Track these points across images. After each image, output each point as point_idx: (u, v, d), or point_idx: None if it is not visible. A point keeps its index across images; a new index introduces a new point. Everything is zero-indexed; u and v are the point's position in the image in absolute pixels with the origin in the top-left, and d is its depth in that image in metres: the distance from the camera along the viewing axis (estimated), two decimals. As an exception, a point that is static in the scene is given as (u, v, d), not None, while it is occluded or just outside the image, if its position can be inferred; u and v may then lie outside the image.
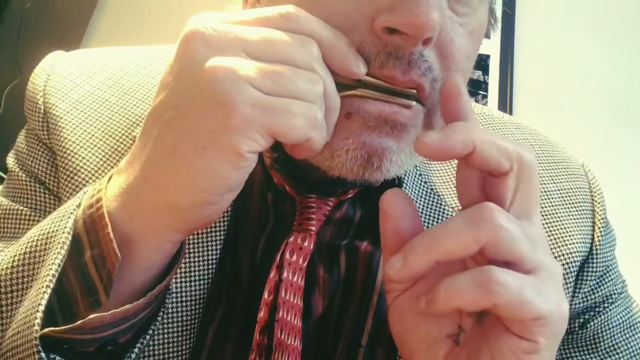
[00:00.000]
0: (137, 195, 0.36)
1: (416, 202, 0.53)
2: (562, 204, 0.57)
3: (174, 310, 0.46)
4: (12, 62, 1.43)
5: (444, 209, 0.53)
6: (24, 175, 0.54)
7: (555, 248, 0.54)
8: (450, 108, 0.37)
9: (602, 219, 0.58)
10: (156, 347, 0.45)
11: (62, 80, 0.56)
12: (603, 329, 0.57)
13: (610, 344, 0.57)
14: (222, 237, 0.49)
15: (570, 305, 0.56)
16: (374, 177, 0.41)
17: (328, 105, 0.36)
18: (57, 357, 0.35)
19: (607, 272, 0.58)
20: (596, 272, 0.56)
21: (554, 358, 0.35)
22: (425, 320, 0.36)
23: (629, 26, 1.77)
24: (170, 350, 0.46)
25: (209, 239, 0.49)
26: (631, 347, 0.58)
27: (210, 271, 0.48)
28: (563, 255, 0.54)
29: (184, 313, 0.47)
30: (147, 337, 0.39)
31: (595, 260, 0.56)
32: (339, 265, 0.51)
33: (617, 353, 0.57)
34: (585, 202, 0.59)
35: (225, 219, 0.50)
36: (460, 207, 0.37)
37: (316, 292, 0.50)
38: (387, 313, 0.38)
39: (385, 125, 0.39)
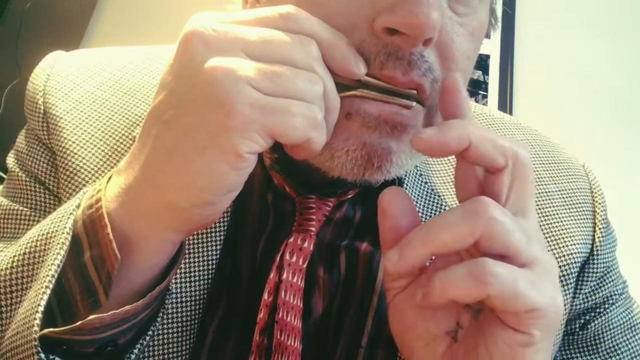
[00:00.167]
0: (136, 196, 0.36)
1: (416, 202, 0.52)
2: (563, 205, 0.57)
3: (174, 310, 0.46)
4: (12, 62, 1.42)
5: (445, 209, 0.53)
6: (24, 175, 0.54)
7: (555, 249, 0.54)
8: (448, 105, 0.37)
9: (603, 219, 0.58)
10: (156, 348, 0.45)
11: (62, 80, 0.56)
12: (604, 330, 0.57)
13: (611, 344, 0.57)
14: (222, 237, 0.49)
15: (571, 306, 0.56)
16: (374, 178, 0.41)
17: (328, 105, 0.35)
18: (57, 358, 0.34)
19: (608, 272, 0.58)
20: (597, 272, 0.56)
21: (550, 352, 0.35)
22: (423, 317, 0.36)
23: (629, 26, 1.77)
24: (170, 350, 0.46)
25: (209, 239, 0.49)
26: (632, 347, 0.58)
27: (210, 272, 0.48)
28: (564, 256, 0.54)
29: (184, 313, 0.47)
30: (147, 337, 0.39)
31: (595, 261, 0.56)
32: (338, 266, 0.51)
33: (618, 354, 0.57)
34: (586, 202, 0.59)
35: (225, 219, 0.50)
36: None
37: (316, 293, 0.50)
38: (387, 311, 0.38)
39: (385, 125, 0.39)
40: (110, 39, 1.71)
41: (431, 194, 0.54)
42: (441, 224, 0.33)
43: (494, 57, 1.71)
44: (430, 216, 0.53)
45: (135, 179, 0.36)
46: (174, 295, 0.46)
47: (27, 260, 0.38)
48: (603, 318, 0.57)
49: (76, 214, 0.37)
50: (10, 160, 0.56)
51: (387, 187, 0.37)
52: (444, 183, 0.55)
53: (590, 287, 0.56)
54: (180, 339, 0.46)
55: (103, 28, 1.77)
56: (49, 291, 0.35)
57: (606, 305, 0.58)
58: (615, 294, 0.58)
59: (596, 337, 0.57)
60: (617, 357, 0.57)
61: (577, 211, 0.57)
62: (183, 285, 0.47)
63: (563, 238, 0.55)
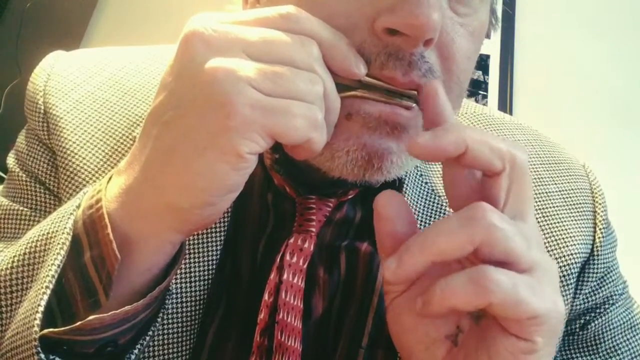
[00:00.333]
0: (136, 196, 0.36)
1: (417, 203, 0.52)
2: (563, 205, 0.57)
3: (174, 311, 0.46)
4: (12, 62, 1.42)
5: (445, 210, 0.53)
6: (24, 175, 0.54)
7: (556, 249, 0.54)
8: (429, 112, 0.36)
9: (603, 220, 0.58)
10: (156, 348, 0.45)
11: (62, 80, 0.56)
12: (604, 330, 0.57)
13: (611, 345, 0.57)
14: (222, 237, 0.49)
15: (571, 306, 0.55)
16: (374, 178, 0.41)
17: (328, 106, 0.35)
18: (57, 358, 0.34)
19: (608, 273, 0.58)
20: (597, 273, 0.56)
21: (552, 356, 0.35)
22: (423, 321, 0.36)
23: (629, 26, 1.77)
24: (170, 351, 0.46)
25: (209, 239, 0.49)
26: (632, 347, 0.58)
27: (210, 272, 0.48)
28: (564, 256, 0.54)
29: (184, 314, 0.47)
30: (147, 338, 0.39)
31: (596, 262, 0.56)
32: (339, 266, 0.50)
33: (618, 354, 0.57)
34: (586, 203, 0.58)
35: (226, 219, 0.50)
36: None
37: (316, 293, 0.50)
38: (386, 314, 0.38)
39: (385, 126, 0.39)
40: (110, 39, 1.71)
41: (432, 194, 0.53)
42: (439, 232, 0.32)
43: (494, 57, 1.71)
44: (430, 217, 0.53)
45: (136, 179, 0.36)
46: (174, 296, 0.46)
47: (27, 261, 0.38)
48: (603, 318, 0.57)
49: (76, 214, 0.37)
50: (11, 160, 0.56)
51: (383, 191, 0.36)
52: (444, 183, 0.55)
53: (591, 287, 0.56)
54: (180, 339, 0.46)
55: (103, 28, 1.77)
56: (49, 291, 0.35)
57: (606, 306, 0.58)
58: (615, 294, 0.58)
59: (596, 337, 0.57)
60: (617, 357, 0.57)
61: (578, 211, 0.57)
62: (183, 285, 0.47)
63: (563, 238, 0.55)
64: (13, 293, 0.38)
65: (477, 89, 1.67)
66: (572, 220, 0.56)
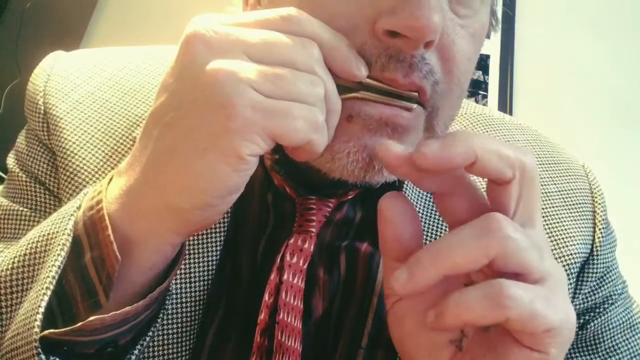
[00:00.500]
0: (137, 197, 0.36)
1: (416, 204, 0.52)
2: (563, 205, 0.57)
3: (174, 311, 0.46)
4: (12, 62, 1.42)
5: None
6: (24, 175, 0.54)
7: (555, 249, 0.54)
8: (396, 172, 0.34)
9: (603, 220, 0.58)
10: (156, 349, 0.45)
11: (63, 80, 0.55)
12: (603, 330, 0.57)
13: (610, 344, 0.57)
14: (222, 238, 0.49)
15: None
16: (374, 180, 0.41)
17: (329, 107, 0.35)
18: (57, 359, 0.35)
19: (608, 273, 0.58)
20: (596, 273, 0.56)
21: None
22: (425, 326, 0.35)
23: (629, 26, 1.77)
24: (170, 351, 0.46)
25: (209, 240, 0.49)
26: (631, 347, 0.58)
27: (210, 272, 0.48)
28: (564, 256, 0.54)
29: (184, 314, 0.47)
30: (147, 338, 0.39)
31: (595, 262, 0.56)
32: (339, 267, 0.51)
33: (618, 354, 0.57)
34: (585, 203, 0.59)
35: (226, 220, 0.50)
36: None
37: (316, 294, 0.50)
38: (387, 317, 0.37)
39: (386, 127, 0.39)
40: (110, 39, 1.71)
41: (431, 195, 0.53)
42: (453, 244, 0.31)
43: (494, 57, 1.71)
44: (430, 218, 0.52)
45: (136, 180, 0.36)
46: (174, 296, 0.46)
47: (27, 262, 0.38)
48: (603, 318, 0.57)
49: (77, 215, 0.37)
50: (11, 160, 0.56)
51: (387, 193, 0.36)
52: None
53: (590, 287, 0.56)
54: (180, 340, 0.46)
55: (103, 28, 1.77)
56: (49, 292, 0.35)
57: (606, 305, 0.58)
58: (614, 294, 0.58)
59: (596, 337, 0.57)
60: (617, 357, 0.57)
61: (577, 211, 0.57)
62: (183, 286, 0.47)
63: (563, 238, 0.55)
64: (13, 294, 0.38)
65: (477, 89, 1.67)
66: (571, 221, 0.57)
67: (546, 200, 0.57)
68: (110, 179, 0.38)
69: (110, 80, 0.56)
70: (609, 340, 0.58)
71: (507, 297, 0.29)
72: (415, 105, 0.39)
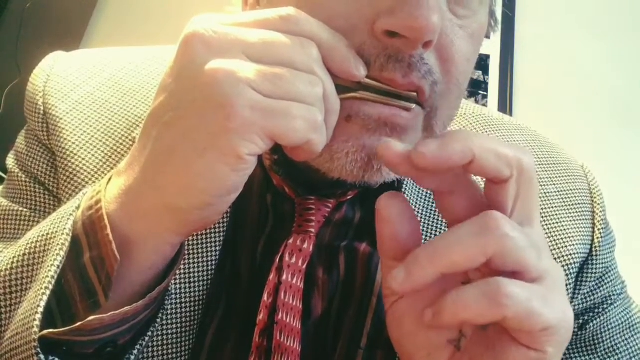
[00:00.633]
0: (136, 197, 0.36)
1: (415, 204, 0.52)
2: (562, 206, 0.57)
3: (174, 311, 0.46)
4: (12, 62, 1.42)
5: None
6: (23, 176, 0.54)
7: (554, 249, 0.54)
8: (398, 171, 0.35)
9: (602, 220, 0.58)
10: (155, 349, 0.45)
11: (62, 81, 0.56)
12: (602, 330, 0.57)
13: (609, 344, 0.57)
14: (221, 238, 0.49)
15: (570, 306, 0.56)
16: (373, 180, 0.41)
17: (328, 107, 0.35)
18: (56, 359, 0.35)
19: (607, 273, 0.58)
20: (596, 273, 0.56)
21: None
22: (424, 326, 0.35)
23: (629, 26, 1.77)
24: (170, 351, 0.46)
25: (209, 240, 0.49)
26: (631, 348, 0.58)
27: (209, 272, 0.48)
28: (563, 256, 0.54)
29: (184, 314, 0.47)
30: (147, 338, 0.39)
31: (594, 262, 0.56)
32: (338, 267, 0.51)
33: (617, 354, 0.57)
34: (585, 203, 0.59)
35: (225, 220, 0.50)
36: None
37: (315, 294, 0.50)
38: (386, 317, 0.37)
39: (385, 127, 0.39)
40: (110, 39, 1.71)
41: (430, 195, 0.53)
42: (450, 242, 0.31)
43: (494, 57, 1.71)
44: (429, 217, 0.53)
45: (135, 180, 0.36)
46: (173, 296, 0.46)
47: (26, 261, 0.38)
48: (602, 318, 0.57)
49: (76, 215, 0.37)
50: (10, 160, 0.56)
51: (385, 193, 0.36)
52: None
53: (589, 287, 0.56)
54: (179, 340, 0.46)
55: (103, 28, 1.77)
56: (48, 292, 0.35)
57: (605, 306, 0.58)
58: (614, 294, 0.58)
59: (595, 338, 0.57)
60: (616, 357, 0.57)
61: (576, 212, 0.57)
62: (183, 286, 0.47)
63: (562, 239, 0.55)
64: (12, 294, 0.38)
65: (477, 89, 1.67)
66: (570, 221, 0.57)
67: (545, 200, 0.57)
68: (110, 179, 0.38)
69: (110, 81, 0.56)
70: (608, 341, 0.58)
71: (505, 295, 0.30)
72: (414, 105, 0.39)
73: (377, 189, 0.46)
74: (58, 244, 0.36)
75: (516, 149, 0.33)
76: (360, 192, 0.51)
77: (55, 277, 0.35)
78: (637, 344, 0.59)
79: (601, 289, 0.57)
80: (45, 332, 0.34)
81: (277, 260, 0.48)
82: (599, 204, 0.59)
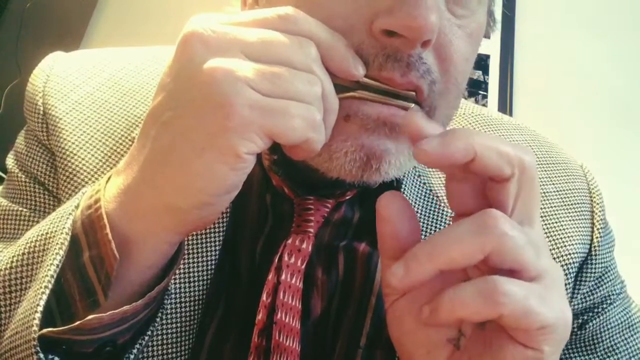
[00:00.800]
0: (135, 196, 0.36)
1: (415, 203, 0.53)
2: (561, 205, 0.57)
3: (173, 311, 0.46)
4: (12, 62, 1.42)
5: (443, 210, 0.53)
6: (23, 176, 0.54)
7: (554, 249, 0.54)
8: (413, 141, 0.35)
9: (601, 219, 0.58)
10: (155, 348, 0.45)
11: (62, 81, 0.56)
12: (602, 330, 0.57)
13: (609, 344, 0.58)
14: (221, 238, 0.49)
15: (569, 306, 0.56)
16: (372, 179, 0.41)
17: (326, 106, 0.36)
18: (56, 358, 0.35)
19: (606, 272, 0.58)
20: (595, 273, 0.56)
21: None
22: (424, 324, 0.35)
23: (629, 26, 1.77)
24: (169, 351, 0.46)
25: (208, 240, 0.49)
26: (630, 347, 0.58)
27: (209, 272, 0.48)
28: (562, 256, 0.54)
29: (183, 314, 0.47)
30: (146, 338, 0.39)
31: (594, 261, 0.56)
32: (337, 267, 0.51)
33: (616, 353, 0.57)
34: (584, 203, 0.59)
35: (225, 220, 0.50)
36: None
37: (314, 294, 0.50)
38: (386, 316, 0.37)
39: (383, 127, 0.39)
40: (110, 39, 1.71)
41: (430, 195, 0.54)
42: (449, 239, 0.31)
43: (494, 57, 1.71)
44: (428, 217, 0.53)
45: (134, 179, 0.36)
46: (173, 296, 0.46)
47: (26, 261, 0.38)
48: (601, 318, 0.57)
49: (75, 215, 0.37)
50: (10, 161, 0.56)
51: (385, 192, 0.36)
52: (443, 184, 0.55)
53: (589, 287, 0.56)
54: (179, 340, 0.46)
55: (103, 28, 1.77)
56: (48, 291, 0.35)
57: (604, 305, 0.58)
58: (613, 294, 0.58)
59: (594, 337, 0.57)
60: (615, 357, 0.57)
61: (575, 211, 0.57)
62: (182, 285, 0.47)
63: (561, 238, 0.55)
64: (12, 293, 0.38)
65: (477, 89, 1.67)
66: (570, 220, 0.57)
67: (544, 200, 0.57)
68: (109, 178, 0.38)
69: (110, 81, 0.57)
70: (608, 340, 0.58)
71: (501, 293, 0.30)
72: (412, 105, 0.39)
73: (376, 189, 0.46)
74: (57, 243, 0.36)
75: (518, 148, 0.33)
76: (359, 192, 0.51)
77: (55, 276, 0.35)
78: (636, 344, 0.59)
79: (600, 288, 0.57)
80: (44, 331, 0.34)
81: (276, 260, 0.48)
82: (598, 204, 0.59)
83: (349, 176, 0.40)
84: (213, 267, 0.48)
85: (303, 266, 0.48)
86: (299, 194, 0.50)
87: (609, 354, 0.57)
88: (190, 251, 0.48)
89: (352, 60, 0.36)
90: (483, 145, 0.32)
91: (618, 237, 0.62)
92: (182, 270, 0.47)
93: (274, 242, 0.50)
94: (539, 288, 0.31)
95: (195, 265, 0.48)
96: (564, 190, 0.59)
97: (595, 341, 0.57)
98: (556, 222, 0.56)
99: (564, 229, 0.56)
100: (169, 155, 0.34)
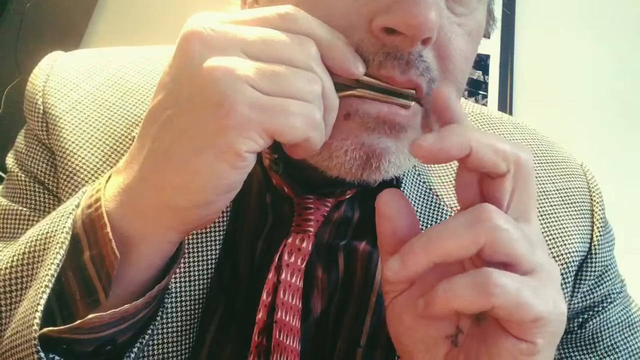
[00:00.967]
0: (135, 195, 0.36)
1: (414, 202, 0.53)
2: (561, 204, 0.57)
3: (173, 310, 0.46)
4: (12, 62, 1.42)
5: (443, 209, 0.53)
6: (23, 175, 0.54)
7: (554, 248, 0.54)
8: (444, 119, 0.37)
9: (601, 218, 0.58)
10: (155, 348, 0.45)
11: (62, 80, 0.56)
12: (602, 329, 0.57)
13: (609, 343, 0.58)
14: (221, 237, 0.49)
15: (569, 305, 0.56)
16: (372, 178, 0.41)
17: (326, 105, 0.36)
18: (56, 357, 0.35)
19: (606, 271, 0.58)
20: (595, 271, 0.56)
21: (552, 359, 0.35)
22: (423, 321, 0.36)
23: (630, 26, 1.77)
24: (169, 350, 0.46)
25: (208, 239, 0.49)
26: (630, 346, 0.58)
27: (209, 271, 0.48)
28: (562, 255, 0.54)
29: (183, 313, 0.47)
30: (146, 337, 0.39)
31: (594, 260, 0.56)
32: (337, 266, 0.51)
33: (616, 352, 0.57)
34: (584, 201, 0.59)
35: (225, 219, 0.50)
36: (459, 207, 0.37)
37: (315, 293, 0.50)
38: (385, 314, 0.38)
39: (383, 125, 0.39)
40: (110, 39, 1.71)
41: (429, 193, 0.54)
42: (443, 232, 0.32)
43: (494, 57, 1.71)
44: (428, 216, 0.53)
45: (134, 178, 0.36)
46: (173, 295, 0.46)
47: (26, 260, 0.38)
48: (601, 317, 0.57)
49: (75, 214, 0.37)
50: (10, 160, 0.56)
51: (385, 189, 0.36)
52: (443, 183, 0.55)
53: (589, 285, 0.56)
54: (179, 339, 0.46)
55: (103, 28, 1.77)
56: (48, 290, 0.35)
57: (604, 304, 0.58)
58: (613, 293, 0.58)
59: (594, 336, 0.57)
60: (615, 356, 0.57)
61: (575, 210, 0.57)
62: (182, 284, 0.47)
63: (561, 237, 0.55)
64: (12, 292, 0.38)
65: (477, 89, 1.67)
66: (569, 219, 0.57)
67: (544, 198, 0.57)
68: (109, 178, 0.38)
69: (110, 80, 0.56)
70: (608, 339, 0.58)
71: (494, 284, 0.30)
72: (412, 103, 0.39)
73: (375, 188, 0.46)
74: (58, 243, 0.36)
75: (514, 145, 0.33)
76: (359, 191, 0.51)
77: (55, 275, 0.35)
78: (636, 343, 0.59)
79: (600, 287, 0.57)
80: (45, 330, 0.34)
81: (276, 259, 0.48)
82: (597, 202, 0.59)
83: (349, 175, 0.40)
84: (213, 266, 0.48)
85: (303, 265, 0.48)
86: (299, 193, 0.50)
87: (609, 353, 0.57)
88: (191, 250, 0.48)
89: (352, 59, 0.36)
90: (479, 141, 0.32)
91: (618, 236, 0.62)
92: (182, 269, 0.47)
93: (274, 241, 0.50)
94: (534, 282, 0.32)
95: (196, 264, 0.48)
96: (563, 189, 0.59)
97: (595, 340, 0.57)
98: (556, 221, 0.56)
99: (563, 228, 0.56)
100: (170, 154, 0.34)
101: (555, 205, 0.57)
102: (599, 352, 0.57)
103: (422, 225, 0.52)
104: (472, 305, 0.31)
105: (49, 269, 0.35)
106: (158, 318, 0.40)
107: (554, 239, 0.55)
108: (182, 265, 0.47)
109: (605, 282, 0.57)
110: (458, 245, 0.31)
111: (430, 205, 0.53)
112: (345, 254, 0.51)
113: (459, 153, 0.32)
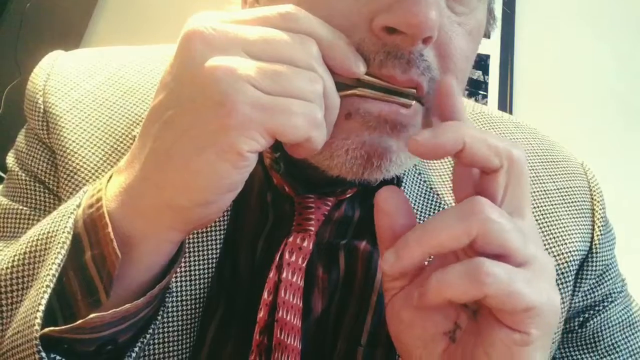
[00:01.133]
0: (136, 195, 0.36)
1: (415, 201, 0.53)
2: (561, 203, 0.57)
3: (174, 309, 0.46)
4: (12, 62, 1.42)
5: (443, 208, 0.53)
6: (23, 174, 0.54)
7: (554, 247, 0.54)
8: (444, 108, 0.37)
9: (602, 217, 0.58)
10: (156, 347, 0.45)
11: (62, 79, 0.56)
12: (603, 328, 0.57)
13: (609, 342, 0.58)
14: (222, 236, 0.49)
15: (570, 304, 0.56)
16: (373, 177, 0.41)
17: (328, 104, 0.36)
18: (57, 357, 0.35)
19: (607, 270, 0.58)
20: (596, 270, 0.56)
21: (548, 350, 0.35)
22: (421, 318, 0.36)
23: (630, 26, 1.77)
24: (170, 349, 0.46)
25: (209, 238, 0.49)
26: (631, 346, 0.58)
27: (210, 271, 0.48)
28: (562, 254, 0.54)
29: (184, 313, 0.47)
30: (147, 336, 0.39)
31: (594, 259, 0.56)
32: (338, 265, 0.51)
33: (617, 352, 0.57)
34: (584, 200, 0.59)
35: (225, 218, 0.50)
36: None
37: (315, 292, 0.50)
38: (385, 312, 0.38)
39: (385, 125, 0.39)
40: (110, 39, 1.71)
41: (430, 192, 0.54)
42: (437, 224, 0.33)
43: (494, 57, 1.71)
44: (428, 215, 0.53)
45: (136, 178, 0.36)
46: (174, 294, 0.46)
47: (27, 260, 0.38)
48: (602, 316, 0.57)
49: (77, 214, 0.37)
50: (10, 159, 0.56)
51: (384, 186, 0.37)
52: (443, 181, 0.55)
53: (589, 285, 0.56)
54: (180, 338, 0.47)
55: (103, 28, 1.77)
56: (49, 290, 0.35)
57: (605, 303, 0.58)
58: (614, 292, 0.58)
59: (595, 335, 0.57)
60: (616, 355, 0.57)
61: (576, 209, 0.58)
62: (183, 284, 0.47)
63: (562, 236, 0.55)
64: (13, 292, 0.38)
65: (477, 89, 1.67)
66: (570, 218, 0.57)
67: (545, 198, 0.57)
68: (110, 177, 0.38)
69: (110, 79, 0.56)
70: (609, 339, 0.58)
71: (486, 274, 0.31)
72: (413, 102, 0.39)
73: (376, 187, 0.46)
74: (59, 243, 0.36)
75: (507, 142, 0.34)
76: (360, 190, 0.51)
77: (57, 275, 0.35)
78: (637, 342, 0.59)
79: (601, 286, 0.57)
80: (46, 330, 0.34)
81: (277, 258, 0.48)
82: (598, 202, 0.59)
83: (350, 174, 0.40)
84: (214, 265, 0.49)
85: (304, 264, 0.48)
86: (300, 192, 0.50)
87: (609, 352, 0.57)
88: (192, 250, 0.48)
89: (353, 58, 0.36)
90: (472, 137, 0.33)
91: (618, 236, 0.62)
92: (183, 269, 0.47)
93: (274, 241, 0.50)
94: (527, 273, 0.32)
95: (196, 263, 0.48)
96: (564, 188, 0.59)
97: (596, 339, 0.57)
98: (556, 220, 0.56)
99: (564, 227, 0.56)
100: (171, 153, 0.34)
101: (555, 204, 0.57)
102: (599, 352, 0.57)
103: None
104: (465, 295, 0.31)
105: (50, 268, 0.35)
106: (159, 317, 0.40)
107: (554, 238, 0.55)
108: (182, 264, 0.47)
109: (606, 282, 0.58)
110: (450, 236, 0.32)
111: (431, 204, 0.53)
112: (346, 253, 0.51)
113: (453, 148, 0.33)
